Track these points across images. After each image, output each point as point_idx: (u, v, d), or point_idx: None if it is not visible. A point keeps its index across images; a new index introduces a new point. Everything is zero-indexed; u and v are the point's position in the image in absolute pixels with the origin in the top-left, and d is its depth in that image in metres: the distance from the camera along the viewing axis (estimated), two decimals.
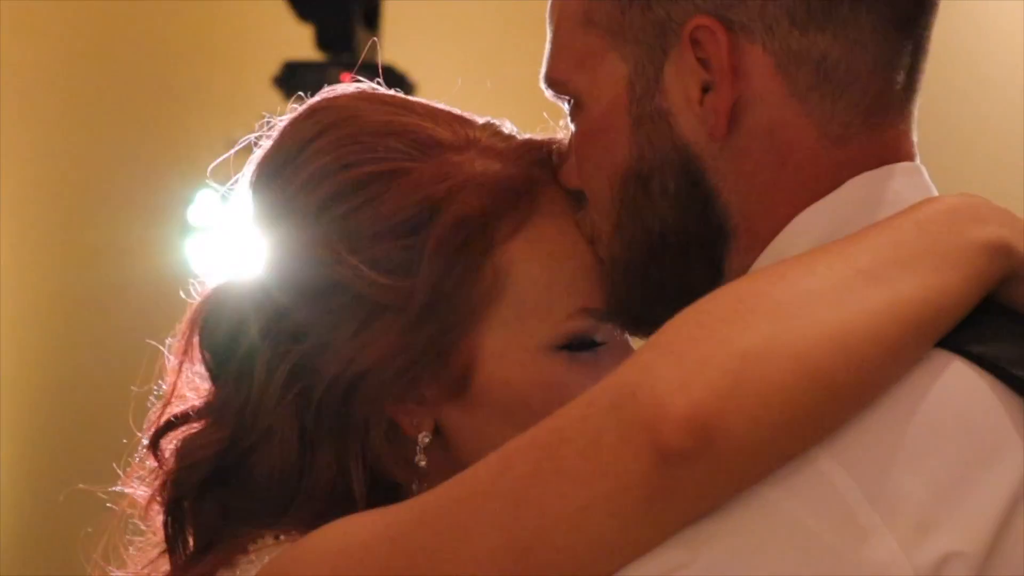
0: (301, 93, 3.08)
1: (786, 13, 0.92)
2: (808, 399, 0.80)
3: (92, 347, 4.46)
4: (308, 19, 3.98)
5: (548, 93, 1.02)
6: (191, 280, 1.10)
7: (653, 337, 0.85)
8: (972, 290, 0.86)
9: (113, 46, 4.76)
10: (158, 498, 1.06)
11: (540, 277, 1.03)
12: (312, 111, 1.08)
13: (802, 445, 0.81)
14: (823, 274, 0.84)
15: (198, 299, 1.08)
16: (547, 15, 1.02)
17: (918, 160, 0.97)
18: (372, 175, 1.02)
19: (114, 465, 1.14)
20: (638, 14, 0.95)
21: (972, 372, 0.85)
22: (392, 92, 1.10)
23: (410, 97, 1.09)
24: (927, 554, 0.79)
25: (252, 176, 1.08)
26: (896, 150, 0.96)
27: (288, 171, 1.04)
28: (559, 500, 0.80)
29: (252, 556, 0.97)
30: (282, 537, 0.99)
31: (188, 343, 1.07)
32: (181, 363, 1.07)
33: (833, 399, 0.81)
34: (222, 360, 1.05)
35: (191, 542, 1.05)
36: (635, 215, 0.97)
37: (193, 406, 1.07)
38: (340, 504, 0.98)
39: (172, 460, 1.05)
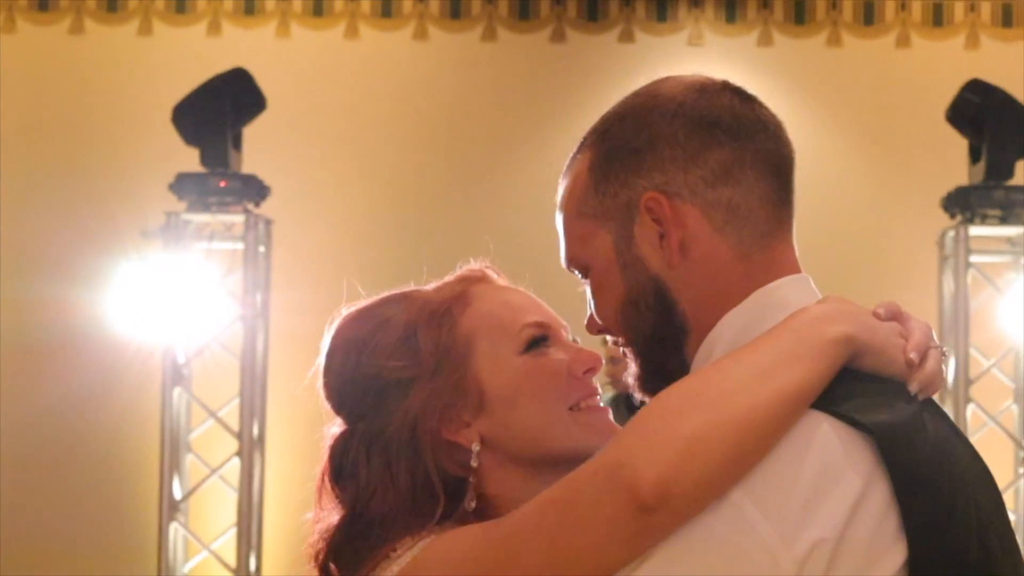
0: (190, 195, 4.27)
1: (701, 180, 1.22)
2: (729, 464, 1.11)
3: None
4: (193, 144, 4.73)
5: (575, 273, 1.31)
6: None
7: (631, 422, 1.15)
8: (831, 370, 1.16)
9: (52, 154, 5.48)
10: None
11: (493, 318, 1.36)
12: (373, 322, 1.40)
13: (725, 491, 1.11)
14: (735, 377, 1.14)
15: (328, 457, 1.38)
16: (556, 216, 1.31)
17: (802, 271, 1.27)
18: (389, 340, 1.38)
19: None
20: (610, 201, 1.25)
21: (829, 423, 1.14)
22: (389, 295, 1.42)
23: (412, 291, 1.42)
24: (802, 543, 1.10)
25: (344, 357, 1.39)
26: (783, 262, 1.25)
27: (365, 356, 1.38)
28: (580, 536, 1.13)
29: (399, 552, 1.28)
30: (409, 539, 1.29)
31: (323, 488, 1.38)
32: (320, 501, 1.38)
33: (744, 461, 1.11)
34: (350, 477, 1.36)
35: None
36: (634, 326, 1.28)
37: (330, 522, 1.37)
38: (429, 502, 1.31)
39: (316, 548, 1.36)
